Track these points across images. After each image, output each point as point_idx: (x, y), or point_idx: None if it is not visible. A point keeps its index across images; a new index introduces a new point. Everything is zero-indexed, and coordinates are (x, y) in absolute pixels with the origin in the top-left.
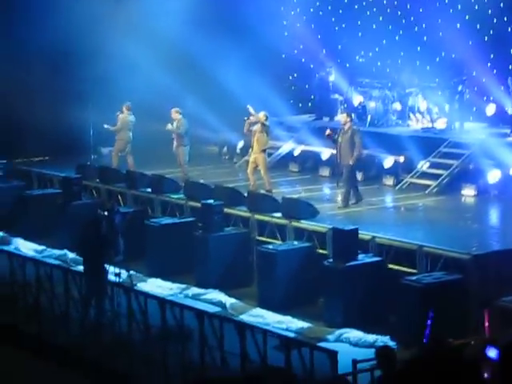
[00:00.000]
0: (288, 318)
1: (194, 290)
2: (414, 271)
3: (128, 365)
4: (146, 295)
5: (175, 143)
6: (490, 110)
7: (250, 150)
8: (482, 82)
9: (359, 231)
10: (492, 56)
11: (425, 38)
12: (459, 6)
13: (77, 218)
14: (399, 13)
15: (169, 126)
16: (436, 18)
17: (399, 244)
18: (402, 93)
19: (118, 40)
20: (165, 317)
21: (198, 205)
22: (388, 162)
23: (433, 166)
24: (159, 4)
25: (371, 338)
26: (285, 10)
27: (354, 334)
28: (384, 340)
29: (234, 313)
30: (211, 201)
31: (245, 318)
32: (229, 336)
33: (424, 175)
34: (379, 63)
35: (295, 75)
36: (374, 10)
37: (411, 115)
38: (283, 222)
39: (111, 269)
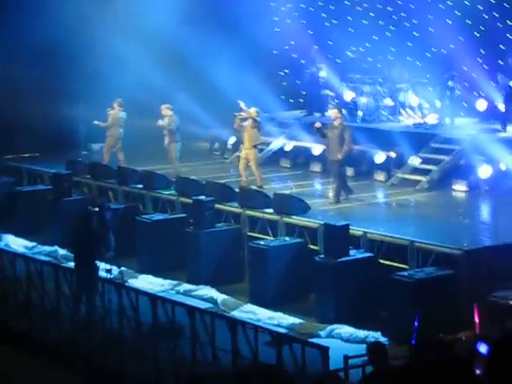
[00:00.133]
0: (279, 314)
1: (186, 287)
2: (406, 267)
3: (119, 361)
4: (137, 291)
5: (167, 139)
6: (481, 105)
7: (241, 145)
8: (472, 78)
9: (351, 227)
10: (482, 52)
11: (415, 34)
12: (449, 2)
13: (67, 214)
14: (390, 9)
15: (160, 122)
16: (426, 13)
17: (390, 239)
18: (393, 88)
19: (108, 37)
20: (156, 313)
21: (190, 201)
22: (379, 157)
23: (424, 161)
24: (149, 1)
25: (362, 333)
26: (275, 6)
27: (346, 329)
28: (375, 336)
29: (225, 309)
30: (202, 197)
31: (236, 314)
32: (220, 332)
33: (415, 171)
34: (370, 59)
35: (286, 71)
36: (365, 5)
37: (402, 111)
38: (275, 217)
39: (102, 265)
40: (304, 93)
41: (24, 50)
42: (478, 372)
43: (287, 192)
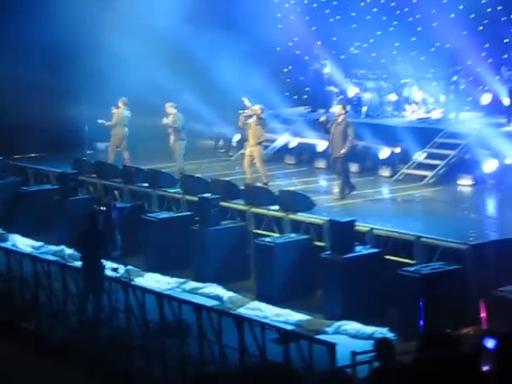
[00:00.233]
0: (286, 311)
1: (192, 284)
2: (412, 262)
3: (126, 360)
4: (144, 290)
5: (172, 138)
6: (486, 99)
7: (246, 143)
8: (476, 72)
9: (356, 223)
10: (486, 45)
11: (419, 29)
12: None
13: (73, 213)
14: (393, 4)
15: (165, 120)
16: (430, 8)
17: (396, 235)
18: (397, 84)
19: (112, 36)
20: (163, 311)
21: (195, 199)
22: (384, 153)
23: (429, 156)
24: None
25: (370, 329)
26: (278, 3)
27: (353, 325)
28: (382, 331)
29: (232, 306)
30: (208, 194)
31: (243, 311)
32: (227, 330)
33: (420, 166)
34: (374, 54)
35: (290, 68)
36: (368, 0)
37: (407, 106)
38: (280, 214)
39: (109, 264)
40: (308, 89)
41: (28, 49)
42: (485, 368)
43: (292, 189)
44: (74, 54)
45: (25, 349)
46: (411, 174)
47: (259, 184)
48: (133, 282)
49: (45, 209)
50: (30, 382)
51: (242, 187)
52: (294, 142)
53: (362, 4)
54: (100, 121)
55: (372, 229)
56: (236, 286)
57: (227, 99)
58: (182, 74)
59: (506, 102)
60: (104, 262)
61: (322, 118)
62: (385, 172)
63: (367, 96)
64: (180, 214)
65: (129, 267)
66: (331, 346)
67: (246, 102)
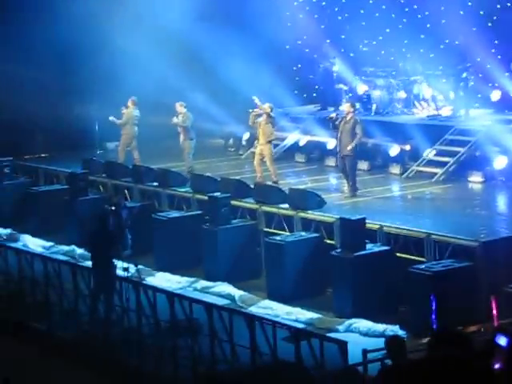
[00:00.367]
0: (297, 309)
1: (203, 283)
2: (423, 259)
3: (138, 359)
4: (155, 289)
5: (182, 137)
6: (495, 96)
7: (256, 141)
8: (486, 69)
9: (367, 220)
10: (496, 42)
11: (428, 26)
12: None
13: (84, 213)
14: (402, 1)
15: (174, 120)
16: (439, 5)
17: (407, 232)
18: (407, 81)
19: (122, 35)
20: (174, 311)
21: (205, 198)
22: (394, 150)
23: (439, 153)
24: None
25: (381, 327)
26: (287, 1)
27: (364, 323)
28: (393, 329)
29: (243, 305)
30: (218, 193)
31: (254, 310)
32: (238, 328)
33: (430, 163)
34: (383, 52)
35: (299, 66)
36: None
37: (416, 103)
38: (290, 213)
39: (119, 263)
40: (317, 87)
41: (38, 49)
42: (497, 365)
43: (302, 187)
44: (84, 53)
45: (36, 349)
46: (421, 171)
47: (269, 182)
48: (144, 282)
49: (55, 209)
50: (42, 381)
51: (252, 186)
52: (303, 140)
53: (371, 1)
54: (111, 118)
55: (382, 226)
56: (247, 285)
57: (237, 98)
58: (192, 72)
59: None
60: (115, 261)
61: (332, 115)
62: (395, 169)
63: (377, 93)
64: (190, 213)
65: (139, 267)
66: (342, 344)
67: (257, 101)
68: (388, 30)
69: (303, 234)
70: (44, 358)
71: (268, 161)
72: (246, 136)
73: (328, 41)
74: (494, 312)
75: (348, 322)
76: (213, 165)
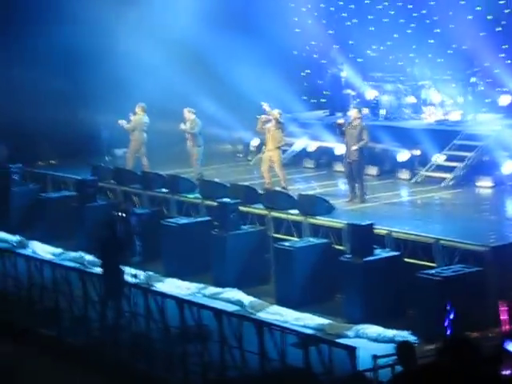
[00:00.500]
0: (306, 315)
1: (212, 290)
2: (432, 265)
3: (147, 365)
4: (164, 295)
5: (189, 143)
6: (504, 100)
7: (264, 147)
8: (494, 73)
9: (375, 226)
10: (504, 47)
11: (436, 31)
12: None
13: (93, 220)
14: (410, 6)
15: (182, 126)
16: (447, 10)
17: (416, 238)
18: (415, 86)
19: (130, 41)
20: (183, 317)
21: (214, 204)
22: (403, 155)
23: (448, 158)
24: (169, 5)
25: (390, 332)
26: (295, 7)
27: (373, 329)
28: (403, 335)
29: (252, 311)
30: (227, 199)
31: (263, 315)
32: (247, 334)
33: (439, 168)
34: (391, 57)
35: (307, 71)
36: (385, 3)
37: (425, 108)
38: (299, 218)
39: (128, 270)
40: (326, 93)
41: (45, 57)
42: (506, 372)
43: (311, 192)
44: (92, 59)
45: (46, 355)
46: (430, 176)
47: (278, 188)
48: (153, 288)
49: (64, 215)
50: None
51: (261, 192)
52: (312, 146)
53: (379, 7)
54: (120, 121)
55: (391, 232)
56: (256, 291)
57: (245, 104)
58: (200, 78)
59: None
60: (124, 267)
61: (340, 121)
62: (404, 175)
63: (385, 99)
64: (199, 220)
65: (148, 273)
66: (352, 350)
67: (266, 107)
68: (396, 36)
69: (312, 239)
70: (54, 364)
71: (277, 167)
72: (255, 142)
73: (336, 46)
74: (503, 317)
75: (357, 327)
76: (221, 171)
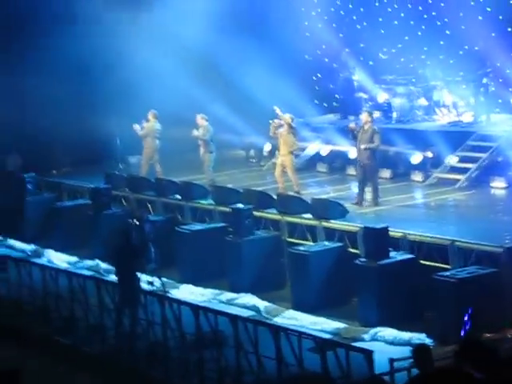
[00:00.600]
0: (322, 319)
1: (227, 295)
2: (447, 267)
3: (164, 372)
4: (180, 302)
5: (202, 150)
6: None
7: (277, 152)
8: (506, 74)
9: (390, 229)
10: None
11: (447, 32)
12: None
13: (107, 228)
14: (420, 8)
15: (195, 132)
16: (458, 11)
17: (431, 240)
18: (427, 88)
19: (142, 49)
20: (199, 323)
21: (228, 210)
22: (416, 157)
23: (461, 159)
24: (181, 11)
25: (407, 335)
26: (306, 11)
27: (389, 332)
28: (420, 337)
29: (268, 316)
30: (240, 205)
31: (279, 320)
32: (264, 340)
33: (453, 169)
34: (403, 59)
35: (319, 75)
36: (395, 6)
37: (437, 110)
38: (313, 222)
39: (144, 277)
40: (338, 96)
41: (57, 65)
42: None
43: (325, 196)
44: (104, 68)
45: (62, 363)
46: (444, 178)
47: (291, 193)
48: (168, 295)
49: (79, 224)
50: None
51: (275, 196)
52: (325, 150)
53: (389, 9)
54: (134, 126)
55: (406, 234)
56: (271, 296)
57: (257, 109)
58: (212, 84)
59: None
60: (139, 275)
61: (352, 125)
62: (417, 177)
63: (397, 101)
64: (213, 226)
65: (164, 280)
66: (368, 354)
67: (278, 111)
68: (407, 38)
69: (327, 243)
70: (70, 373)
71: (290, 171)
72: (267, 147)
73: (347, 50)
74: None
75: (373, 330)
76: (234, 176)
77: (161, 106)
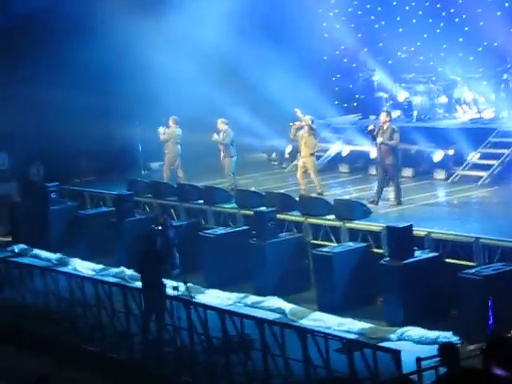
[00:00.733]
0: (349, 320)
1: (253, 299)
2: (473, 264)
3: (191, 377)
4: (206, 307)
5: (222, 154)
6: None
7: (299, 154)
8: None
9: (414, 227)
10: None
11: (466, 29)
12: None
13: (131, 234)
14: (438, 5)
15: (215, 136)
16: (476, 7)
17: (455, 238)
18: (447, 85)
19: (161, 54)
20: (225, 327)
21: (251, 213)
22: (438, 155)
23: (483, 156)
24: (199, 16)
25: (433, 334)
26: (323, 12)
27: (416, 331)
28: (446, 335)
29: (294, 318)
30: (263, 208)
31: (305, 322)
32: (290, 342)
33: (475, 166)
34: (422, 57)
35: (338, 76)
36: (413, 4)
37: (458, 107)
38: (337, 223)
39: (169, 283)
40: (358, 96)
41: (78, 74)
42: None
43: (347, 197)
44: (125, 75)
45: (91, 371)
46: (466, 175)
47: (314, 194)
48: (194, 300)
49: (103, 231)
50: None
51: (297, 198)
52: (346, 151)
53: (407, 8)
54: (160, 129)
55: (430, 233)
56: (296, 298)
57: (277, 111)
58: (232, 88)
59: None
60: (164, 280)
61: (371, 126)
62: (440, 175)
63: (417, 100)
64: (237, 229)
65: (189, 285)
66: (396, 353)
67: (299, 113)
68: (426, 36)
69: (351, 244)
70: (99, 380)
71: (312, 173)
72: (289, 149)
73: (366, 49)
74: None
75: (400, 330)
76: (257, 179)
77: (181, 111)
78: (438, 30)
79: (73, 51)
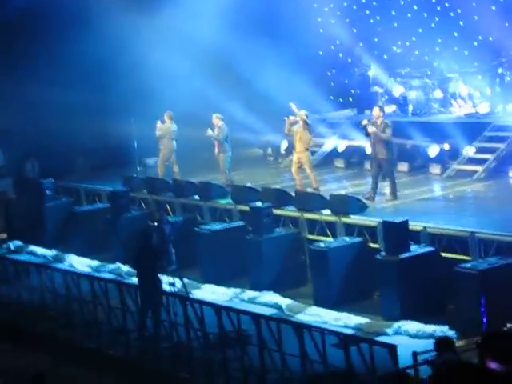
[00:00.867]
0: (345, 315)
1: (249, 294)
2: (468, 258)
3: (188, 373)
4: (202, 303)
5: (216, 150)
6: None
7: (294, 149)
8: None
9: (410, 222)
10: None
11: (461, 23)
12: None
13: (127, 230)
14: (433, 0)
15: (209, 132)
16: (470, 1)
17: (451, 232)
18: (442, 80)
19: (156, 50)
20: (222, 323)
21: (247, 208)
22: (433, 150)
23: (479, 150)
24: (194, 12)
25: (430, 328)
26: (318, 7)
27: (413, 325)
28: (443, 330)
29: (290, 313)
30: (259, 203)
31: (301, 317)
32: (287, 337)
33: (470, 161)
34: (417, 52)
35: (334, 71)
36: None
37: (453, 102)
38: (333, 218)
39: (165, 279)
40: (353, 91)
41: (73, 70)
42: None
43: (343, 192)
44: (120, 71)
45: (87, 367)
46: (462, 169)
47: (310, 189)
48: (190, 295)
49: (98, 228)
50: None
51: (293, 194)
52: (342, 146)
53: (402, 2)
54: (158, 124)
55: (426, 227)
56: (293, 293)
57: (273, 107)
58: (227, 83)
59: None
60: (160, 276)
61: (364, 121)
62: (435, 169)
63: (413, 94)
64: (233, 225)
65: (185, 280)
66: (392, 348)
67: (294, 108)
68: (420, 30)
69: (347, 239)
70: (95, 377)
71: (307, 168)
72: (284, 144)
73: (361, 44)
74: None
75: (396, 324)
76: (253, 175)
77: (176, 106)
78: (432, 25)
79: (68, 48)
